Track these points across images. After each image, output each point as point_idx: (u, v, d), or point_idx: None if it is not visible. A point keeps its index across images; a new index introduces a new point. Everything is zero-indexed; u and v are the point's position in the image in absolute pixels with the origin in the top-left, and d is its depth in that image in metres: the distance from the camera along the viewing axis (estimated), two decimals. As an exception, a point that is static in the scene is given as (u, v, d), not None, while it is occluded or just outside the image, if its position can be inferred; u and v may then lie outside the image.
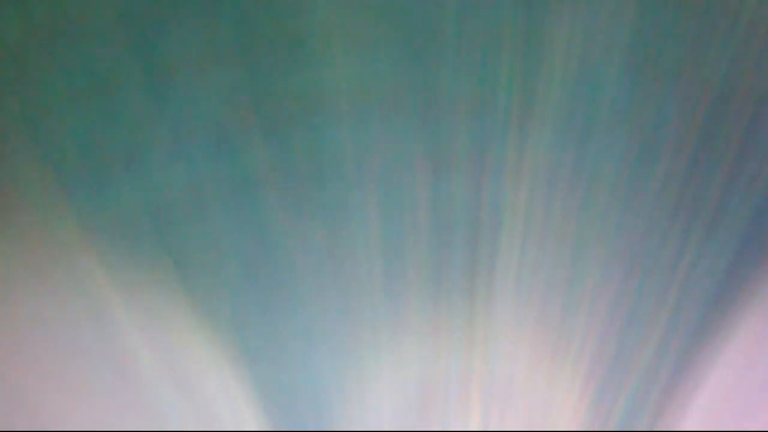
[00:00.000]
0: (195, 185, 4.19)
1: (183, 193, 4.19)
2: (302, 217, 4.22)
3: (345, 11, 4.14)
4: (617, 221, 4.31)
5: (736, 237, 4.30)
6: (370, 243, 4.24)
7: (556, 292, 4.31)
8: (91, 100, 4.11)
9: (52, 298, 4.08)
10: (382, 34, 4.18)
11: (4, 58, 4.05)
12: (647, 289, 4.32)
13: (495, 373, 4.30)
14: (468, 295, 4.28)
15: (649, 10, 4.24)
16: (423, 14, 4.17)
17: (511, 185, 4.26)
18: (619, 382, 4.32)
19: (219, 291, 4.20)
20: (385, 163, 4.23)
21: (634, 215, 4.32)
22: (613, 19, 4.22)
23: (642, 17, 4.23)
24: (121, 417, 4.09)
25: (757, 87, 4.28)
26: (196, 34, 4.12)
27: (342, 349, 4.24)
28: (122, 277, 4.13)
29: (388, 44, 4.17)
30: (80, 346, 4.11)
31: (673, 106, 4.27)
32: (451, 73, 4.21)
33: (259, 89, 4.17)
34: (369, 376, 4.24)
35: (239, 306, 4.21)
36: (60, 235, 4.09)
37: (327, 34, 4.15)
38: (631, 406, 4.31)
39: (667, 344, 4.32)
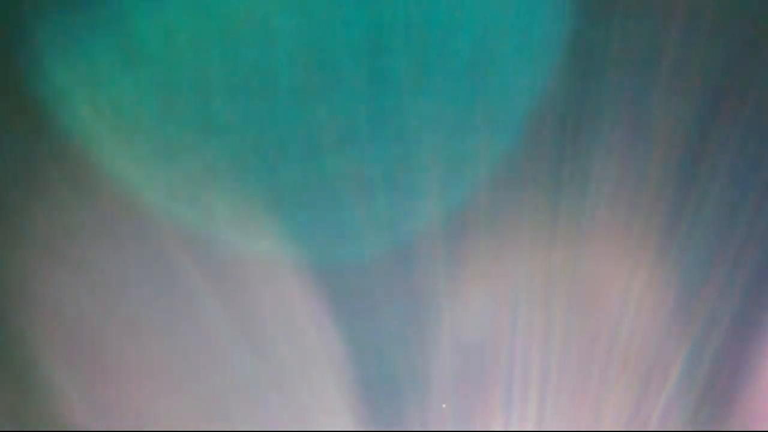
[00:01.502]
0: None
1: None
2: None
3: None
4: (666, 221, 4.37)
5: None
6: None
7: (602, 293, 4.37)
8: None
9: (149, 297, 4.16)
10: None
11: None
12: (688, 287, 4.36)
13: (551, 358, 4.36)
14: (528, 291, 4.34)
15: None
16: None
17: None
18: (660, 382, 4.35)
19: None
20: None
21: (679, 215, 4.37)
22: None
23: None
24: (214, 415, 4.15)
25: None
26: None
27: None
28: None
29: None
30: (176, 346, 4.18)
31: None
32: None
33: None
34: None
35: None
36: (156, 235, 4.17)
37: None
38: (670, 404, 4.35)
39: (706, 343, 4.36)
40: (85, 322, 4.14)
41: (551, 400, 4.36)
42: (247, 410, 4.22)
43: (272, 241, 4.24)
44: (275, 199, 4.24)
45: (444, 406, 4.30)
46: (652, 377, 4.36)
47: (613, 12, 4.28)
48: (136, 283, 4.16)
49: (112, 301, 4.15)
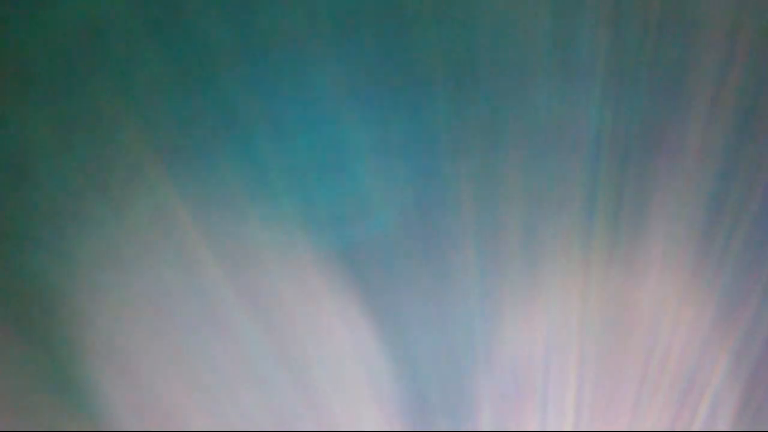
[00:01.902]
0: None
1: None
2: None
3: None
4: (703, 231, 4.36)
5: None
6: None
7: (640, 307, 4.36)
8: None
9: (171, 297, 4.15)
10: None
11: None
12: (727, 298, 4.35)
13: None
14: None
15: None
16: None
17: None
18: (703, 382, 4.34)
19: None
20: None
21: (717, 225, 4.36)
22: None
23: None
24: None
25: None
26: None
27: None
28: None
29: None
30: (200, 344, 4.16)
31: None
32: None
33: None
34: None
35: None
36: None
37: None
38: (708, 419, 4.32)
39: (750, 343, 4.34)
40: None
41: (588, 412, 4.33)
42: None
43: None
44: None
45: None
46: (690, 391, 4.34)
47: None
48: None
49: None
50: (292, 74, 4.21)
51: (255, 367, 4.16)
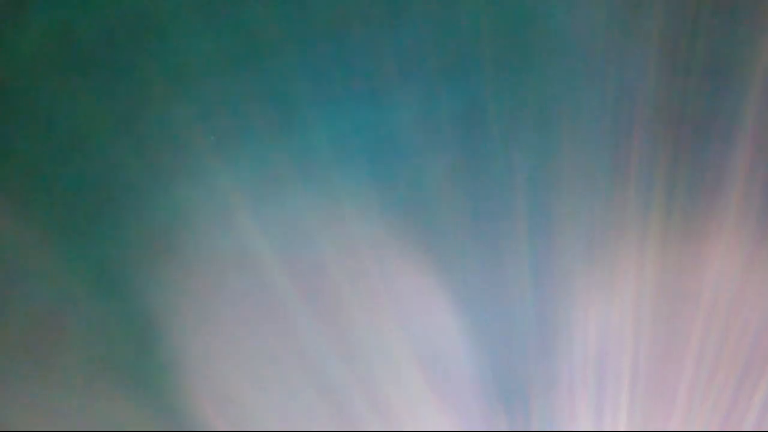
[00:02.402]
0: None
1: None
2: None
3: None
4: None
5: None
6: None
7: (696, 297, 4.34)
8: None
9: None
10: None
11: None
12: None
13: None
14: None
15: None
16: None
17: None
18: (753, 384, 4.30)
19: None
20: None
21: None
22: None
23: None
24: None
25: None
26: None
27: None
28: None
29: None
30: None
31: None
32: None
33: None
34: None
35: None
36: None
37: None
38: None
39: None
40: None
41: (644, 398, 4.29)
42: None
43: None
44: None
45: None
46: (748, 377, 4.30)
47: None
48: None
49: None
50: (340, 58, 4.20)
51: (319, 363, 4.14)
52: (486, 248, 4.25)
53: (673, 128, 4.31)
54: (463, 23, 4.27)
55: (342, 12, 4.19)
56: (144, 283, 4.03)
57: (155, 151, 4.08)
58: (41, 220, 4.02)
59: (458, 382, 4.19)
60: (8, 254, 3.99)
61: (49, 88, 4.01)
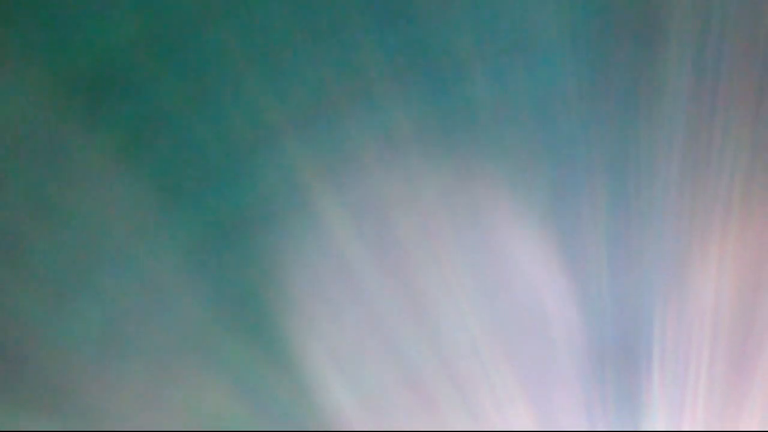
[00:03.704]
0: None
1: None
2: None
3: None
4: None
5: None
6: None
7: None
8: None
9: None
10: None
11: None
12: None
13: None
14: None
15: None
16: None
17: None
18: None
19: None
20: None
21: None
22: None
23: None
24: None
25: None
26: None
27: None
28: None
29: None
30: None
31: None
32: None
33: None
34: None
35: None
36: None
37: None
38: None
39: None
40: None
41: (722, 394, 4.27)
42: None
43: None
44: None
45: None
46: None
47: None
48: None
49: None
50: (421, 38, 4.15)
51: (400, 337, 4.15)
52: (565, 229, 4.22)
53: (751, 115, 4.24)
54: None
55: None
56: (226, 265, 4.05)
57: (237, 133, 4.07)
58: (125, 200, 4.03)
59: (538, 353, 4.19)
60: (96, 236, 4.02)
61: (136, 69, 3.99)
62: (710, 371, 4.24)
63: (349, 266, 4.13)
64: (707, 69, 4.16)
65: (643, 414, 4.23)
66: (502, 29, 4.16)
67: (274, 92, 4.05)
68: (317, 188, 4.12)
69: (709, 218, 4.24)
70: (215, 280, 4.08)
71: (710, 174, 4.23)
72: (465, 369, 4.17)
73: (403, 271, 4.15)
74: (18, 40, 3.85)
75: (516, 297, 4.21)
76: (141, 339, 4.06)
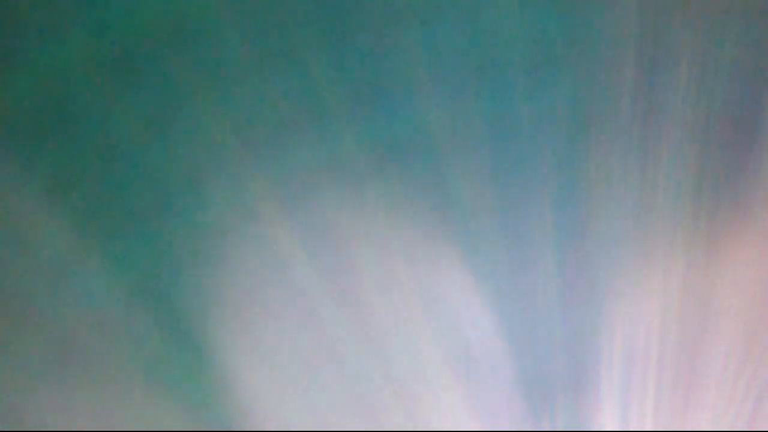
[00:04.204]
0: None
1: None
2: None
3: None
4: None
5: None
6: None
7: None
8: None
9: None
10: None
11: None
12: None
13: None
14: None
15: None
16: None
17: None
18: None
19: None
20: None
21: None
22: None
23: None
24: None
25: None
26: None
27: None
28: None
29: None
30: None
31: None
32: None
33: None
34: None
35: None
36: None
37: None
38: None
39: None
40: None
41: (669, 400, 4.35)
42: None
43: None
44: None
45: None
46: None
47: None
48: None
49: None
50: (375, 60, 4.15)
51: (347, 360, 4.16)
52: (515, 247, 4.26)
53: (701, 131, 4.30)
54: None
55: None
56: (177, 286, 4.04)
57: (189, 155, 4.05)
58: (78, 223, 4.00)
59: (484, 379, 4.23)
60: (48, 257, 3.98)
61: (86, 91, 3.95)
62: (656, 398, 4.33)
63: (301, 291, 4.14)
64: (652, 80, 4.24)
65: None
66: (455, 49, 4.18)
67: (227, 117, 4.04)
68: (269, 213, 4.11)
69: (657, 244, 4.31)
70: (166, 305, 4.07)
71: (660, 186, 4.29)
72: (413, 393, 4.21)
73: (353, 296, 4.16)
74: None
75: (462, 324, 4.25)
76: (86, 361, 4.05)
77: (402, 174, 4.20)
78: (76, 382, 3.97)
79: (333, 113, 4.13)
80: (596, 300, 4.30)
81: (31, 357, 3.95)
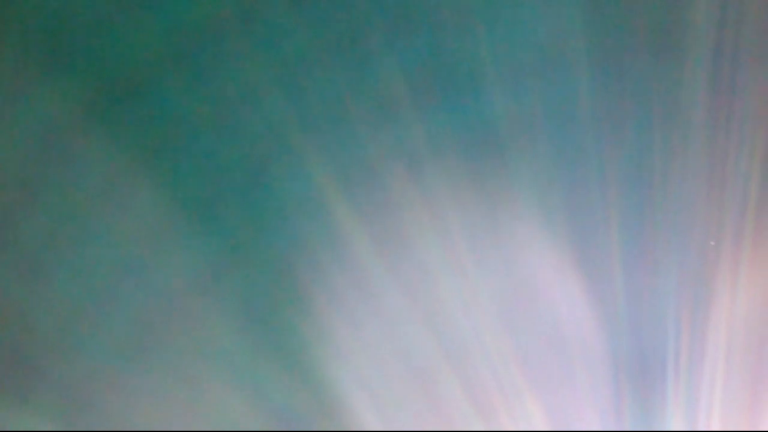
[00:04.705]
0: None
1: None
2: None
3: None
4: None
5: None
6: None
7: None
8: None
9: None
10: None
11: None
12: None
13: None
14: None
15: None
16: None
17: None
18: None
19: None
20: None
21: None
22: None
23: None
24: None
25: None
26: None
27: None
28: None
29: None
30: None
31: None
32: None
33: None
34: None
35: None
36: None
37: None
38: None
39: None
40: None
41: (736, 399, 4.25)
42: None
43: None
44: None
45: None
46: None
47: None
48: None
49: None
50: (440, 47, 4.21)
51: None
52: (578, 242, 4.24)
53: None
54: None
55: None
56: (243, 277, 4.12)
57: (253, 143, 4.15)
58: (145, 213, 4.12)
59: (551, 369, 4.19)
60: (117, 249, 4.11)
61: (152, 83, 4.10)
62: (727, 383, 4.22)
63: (366, 275, 4.18)
64: (722, 78, 4.20)
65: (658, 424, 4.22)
66: (519, 41, 4.23)
67: (292, 105, 4.14)
68: (335, 202, 4.17)
69: (730, 227, 4.24)
70: (236, 293, 4.14)
71: (728, 181, 4.24)
72: (477, 373, 4.18)
73: (418, 277, 4.18)
74: (45, 48, 3.99)
75: (532, 302, 4.22)
76: (160, 347, 4.13)
77: (467, 157, 4.24)
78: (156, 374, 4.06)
79: (397, 102, 4.22)
80: (669, 290, 4.24)
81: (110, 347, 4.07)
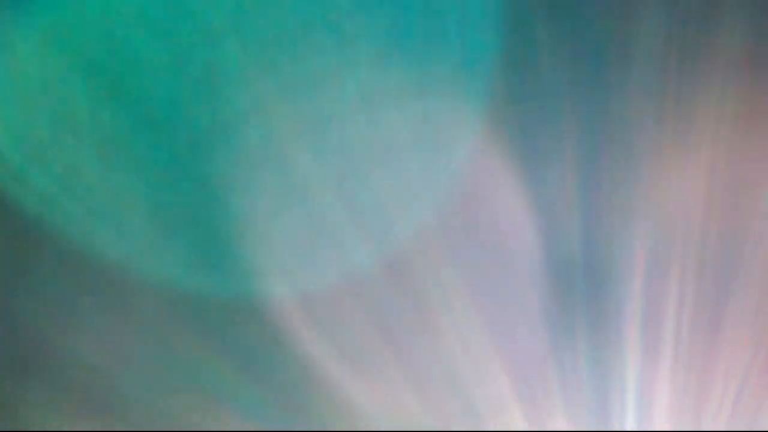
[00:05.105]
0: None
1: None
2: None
3: None
4: None
5: None
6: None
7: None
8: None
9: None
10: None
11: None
12: None
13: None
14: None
15: None
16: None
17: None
18: None
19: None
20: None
21: None
22: None
23: None
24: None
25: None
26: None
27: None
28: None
29: None
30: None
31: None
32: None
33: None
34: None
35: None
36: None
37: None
38: None
39: None
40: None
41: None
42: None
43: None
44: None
45: None
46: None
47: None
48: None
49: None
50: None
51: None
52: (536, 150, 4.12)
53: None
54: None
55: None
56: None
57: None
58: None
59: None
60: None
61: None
62: (682, 291, 4.10)
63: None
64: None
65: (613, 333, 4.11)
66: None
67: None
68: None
69: (680, 138, 4.13)
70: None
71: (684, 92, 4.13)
72: (417, 282, 4.09)
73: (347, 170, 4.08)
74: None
75: (475, 207, 4.11)
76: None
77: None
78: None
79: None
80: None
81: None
